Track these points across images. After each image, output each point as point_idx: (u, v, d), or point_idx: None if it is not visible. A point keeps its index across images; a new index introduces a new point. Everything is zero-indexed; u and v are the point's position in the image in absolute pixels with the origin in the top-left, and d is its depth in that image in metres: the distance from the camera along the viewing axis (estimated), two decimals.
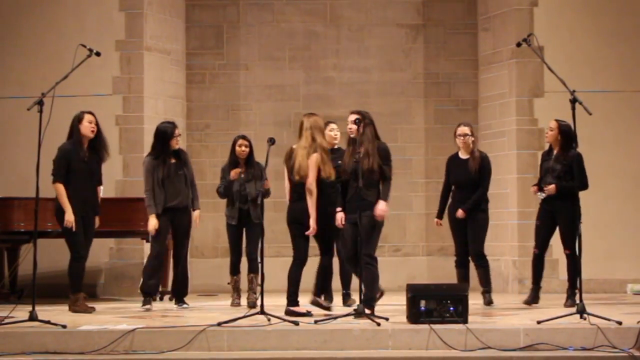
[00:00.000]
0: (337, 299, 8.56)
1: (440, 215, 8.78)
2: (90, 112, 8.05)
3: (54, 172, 7.90)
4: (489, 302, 8.43)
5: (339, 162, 8.74)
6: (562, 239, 8.33)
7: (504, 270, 10.40)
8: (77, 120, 7.99)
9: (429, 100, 11.43)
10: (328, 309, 7.81)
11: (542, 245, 8.40)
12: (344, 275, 8.85)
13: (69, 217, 7.82)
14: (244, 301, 8.77)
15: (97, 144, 8.07)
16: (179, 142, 8.57)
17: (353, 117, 7.28)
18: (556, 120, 8.44)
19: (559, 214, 8.31)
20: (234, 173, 8.58)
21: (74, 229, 7.82)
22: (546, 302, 8.56)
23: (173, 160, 8.45)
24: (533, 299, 8.39)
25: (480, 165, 8.56)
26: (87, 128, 7.96)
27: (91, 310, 7.93)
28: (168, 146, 8.42)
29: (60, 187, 7.87)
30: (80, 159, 7.93)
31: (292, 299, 7.45)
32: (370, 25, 11.54)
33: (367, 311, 6.88)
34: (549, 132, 8.42)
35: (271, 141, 7.20)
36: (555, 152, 8.41)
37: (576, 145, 8.08)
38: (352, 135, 7.26)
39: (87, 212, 8.01)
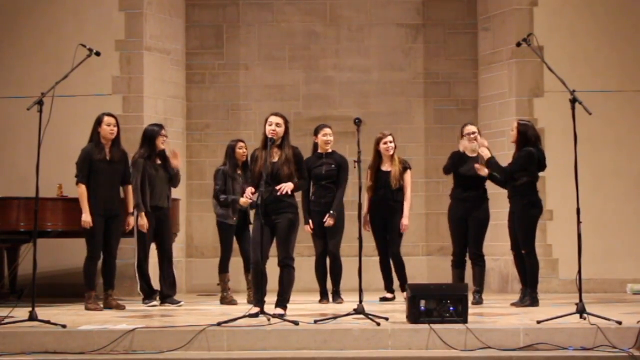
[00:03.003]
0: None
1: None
2: (110, 115, 8.22)
3: (77, 174, 8.09)
4: (478, 302, 8.46)
5: (327, 166, 8.83)
6: (519, 239, 8.34)
7: (504, 270, 10.40)
8: (98, 122, 8.15)
9: (429, 100, 11.43)
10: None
11: (517, 245, 8.41)
12: (335, 274, 8.93)
13: (86, 218, 7.99)
14: (238, 299, 8.87)
15: (117, 145, 8.24)
16: (165, 142, 8.66)
17: (278, 119, 7.22)
18: (518, 120, 8.50)
19: (515, 215, 8.34)
20: (244, 203, 8.57)
21: (88, 226, 7.99)
22: (546, 302, 8.56)
23: (159, 162, 8.58)
24: (523, 300, 8.39)
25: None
26: (106, 131, 8.13)
27: (101, 309, 8.05)
28: (155, 146, 8.55)
29: (83, 188, 8.04)
30: (101, 160, 8.08)
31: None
32: (370, 25, 11.54)
33: (280, 312, 7.00)
34: (511, 132, 8.43)
35: (271, 141, 7.19)
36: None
37: (539, 144, 8.30)
38: (274, 138, 7.19)
39: (110, 213, 8.11)
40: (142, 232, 8.49)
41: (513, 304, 8.35)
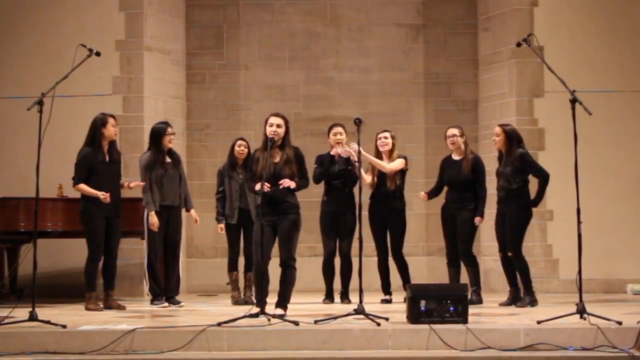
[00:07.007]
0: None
1: (429, 196, 9.09)
2: (112, 115, 8.24)
3: (75, 176, 8.09)
4: (476, 301, 8.50)
5: (339, 165, 8.83)
6: (506, 241, 8.39)
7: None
8: (101, 123, 8.12)
9: (429, 100, 11.43)
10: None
11: (504, 248, 8.47)
12: (344, 275, 8.94)
13: (102, 196, 7.94)
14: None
15: (115, 145, 8.27)
16: (172, 141, 8.64)
17: (278, 120, 7.21)
18: (500, 125, 8.61)
19: (507, 217, 8.41)
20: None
21: (108, 200, 7.95)
22: (546, 302, 8.56)
23: (169, 160, 8.57)
24: (513, 301, 8.44)
25: (474, 166, 8.69)
26: (111, 131, 8.17)
27: (101, 309, 8.05)
28: (162, 145, 8.50)
29: (82, 185, 8.05)
30: (101, 162, 8.09)
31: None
32: (370, 25, 11.54)
33: (280, 312, 6.99)
34: (496, 138, 8.52)
35: (271, 142, 7.19)
36: (504, 156, 8.48)
37: (523, 145, 8.47)
38: (275, 139, 7.19)
39: (111, 213, 8.12)
40: (151, 232, 8.46)
41: (501, 304, 8.42)
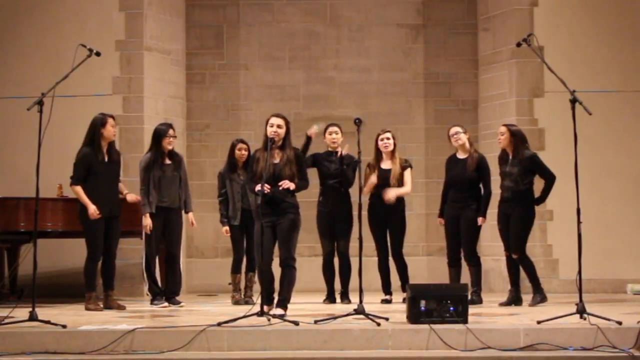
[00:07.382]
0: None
1: (442, 214, 8.97)
2: (111, 116, 8.23)
3: (73, 175, 8.09)
4: (476, 302, 8.51)
5: (335, 164, 8.83)
6: (511, 242, 8.40)
7: (503, 270, 10.36)
8: (101, 123, 8.11)
9: (429, 100, 11.43)
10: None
11: (509, 247, 8.48)
12: (343, 274, 8.94)
13: (93, 211, 7.94)
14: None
15: (114, 146, 8.27)
16: (172, 143, 8.64)
17: (279, 120, 7.23)
18: (505, 125, 8.63)
19: (512, 218, 8.41)
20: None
21: (96, 217, 7.95)
22: (546, 302, 8.55)
23: (169, 162, 8.56)
24: (512, 301, 8.46)
25: (479, 165, 8.69)
26: (110, 132, 8.16)
27: (101, 309, 8.05)
28: (161, 146, 8.50)
29: (78, 188, 8.04)
30: (101, 162, 8.09)
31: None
32: (370, 25, 11.54)
33: (280, 312, 7.00)
34: (500, 137, 8.53)
35: (271, 142, 7.19)
36: (510, 156, 8.47)
37: (528, 145, 8.47)
38: (275, 139, 7.20)
39: (110, 213, 8.12)
40: (148, 234, 8.49)
41: (501, 304, 8.43)
